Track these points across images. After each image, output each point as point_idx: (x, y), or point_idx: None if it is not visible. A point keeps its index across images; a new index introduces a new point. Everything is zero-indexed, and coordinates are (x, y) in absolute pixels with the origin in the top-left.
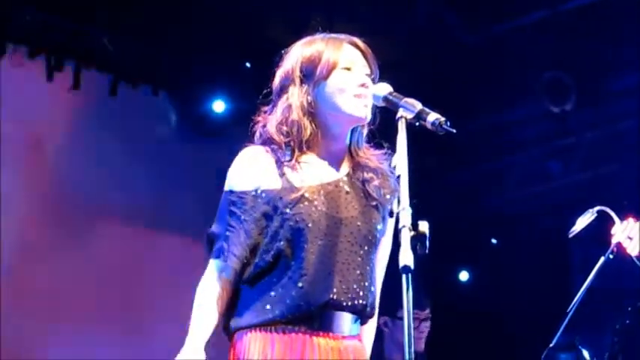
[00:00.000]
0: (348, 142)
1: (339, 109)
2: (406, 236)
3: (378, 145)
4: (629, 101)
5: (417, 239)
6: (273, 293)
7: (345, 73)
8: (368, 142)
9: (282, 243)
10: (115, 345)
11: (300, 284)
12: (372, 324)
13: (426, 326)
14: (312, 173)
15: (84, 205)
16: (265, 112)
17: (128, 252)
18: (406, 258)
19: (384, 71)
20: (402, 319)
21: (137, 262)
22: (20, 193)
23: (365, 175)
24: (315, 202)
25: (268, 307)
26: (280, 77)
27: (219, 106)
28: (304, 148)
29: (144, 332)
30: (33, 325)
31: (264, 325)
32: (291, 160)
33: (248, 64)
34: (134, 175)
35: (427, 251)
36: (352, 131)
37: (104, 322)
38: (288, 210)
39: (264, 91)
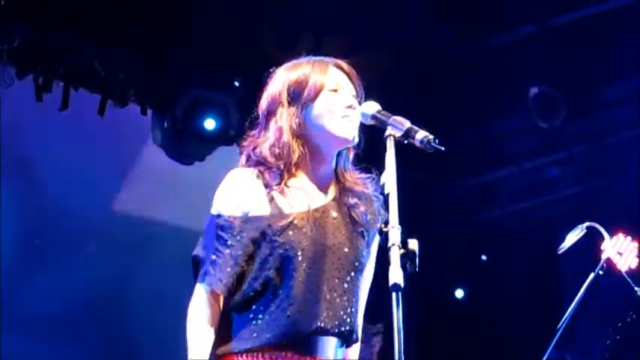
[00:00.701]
0: (334, 165)
1: (327, 131)
2: (396, 254)
3: (364, 169)
4: (618, 114)
5: (407, 257)
6: (260, 321)
7: (332, 95)
8: (354, 164)
9: (271, 272)
10: None
11: (288, 313)
12: (356, 347)
13: (377, 340)
14: (301, 198)
15: (72, 224)
16: (253, 135)
17: (116, 271)
18: (396, 276)
19: (375, 84)
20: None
21: (125, 281)
22: (9, 212)
23: (351, 200)
24: (304, 230)
25: (255, 334)
26: (267, 101)
27: (209, 124)
28: (293, 171)
29: (132, 350)
30: (22, 343)
31: (251, 351)
32: (280, 184)
33: (237, 83)
34: (123, 194)
35: (417, 269)
36: (338, 154)
37: (93, 340)
38: (277, 237)
39: (252, 116)
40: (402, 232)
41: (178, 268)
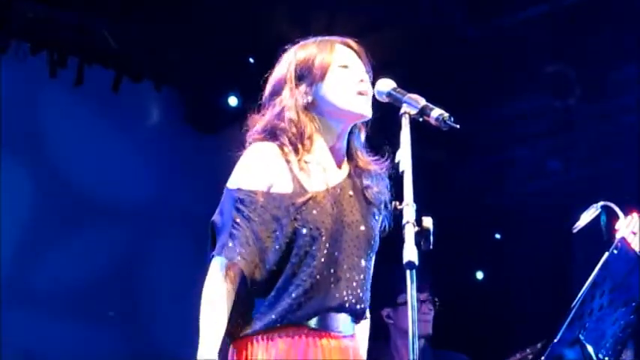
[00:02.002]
0: (346, 142)
1: (340, 107)
2: (410, 232)
3: (375, 147)
4: (633, 94)
5: (421, 235)
6: (282, 300)
7: (343, 71)
8: (366, 143)
9: (292, 250)
10: (114, 341)
11: (309, 292)
12: (366, 323)
13: (429, 308)
14: (319, 174)
15: (86, 200)
16: (260, 114)
17: (130, 248)
18: (410, 254)
19: (388, 63)
20: (402, 304)
21: (138, 258)
22: (23, 189)
23: (364, 180)
24: (325, 208)
25: (274, 316)
26: (273, 82)
27: (232, 100)
28: (307, 145)
29: (142, 329)
30: (32, 321)
31: (269, 331)
32: (298, 159)
33: (251, 60)
34: (137, 171)
35: (431, 247)
36: (350, 132)
37: (103, 319)
38: (299, 215)
39: (258, 101)
40: (416, 210)
41: (193, 247)
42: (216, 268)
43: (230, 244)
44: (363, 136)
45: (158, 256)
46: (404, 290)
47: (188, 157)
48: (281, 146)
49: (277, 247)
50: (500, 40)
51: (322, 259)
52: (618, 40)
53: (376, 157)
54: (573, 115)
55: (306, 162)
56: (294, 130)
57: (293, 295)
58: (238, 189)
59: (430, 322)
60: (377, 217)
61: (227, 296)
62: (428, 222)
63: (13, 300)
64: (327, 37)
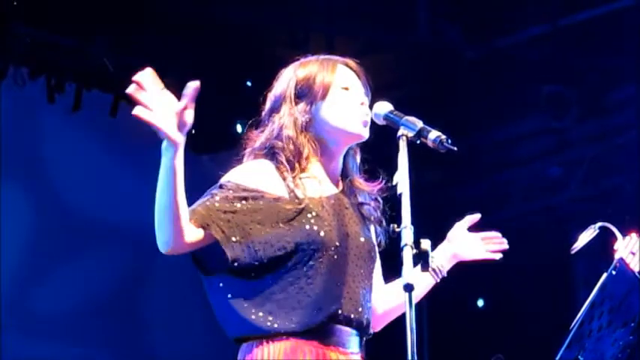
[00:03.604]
0: (342, 164)
1: (339, 128)
2: (408, 254)
3: (369, 172)
4: (630, 114)
5: (420, 257)
6: (281, 301)
7: (344, 93)
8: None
9: (292, 255)
10: None
11: (309, 295)
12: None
13: None
14: (315, 188)
15: (86, 224)
16: (258, 132)
17: (130, 271)
18: (409, 276)
19: (386, 85)
20: None
21: (138, 280)
22: (22, 213)
23: (359, 197)
24: (326, 216)
25: (271, 318)
26: (272, 98)
27: (234, 126)
28: (304, 165)
29: (143, 350)
30: (33, 341)
31: (275, 336)
32: (294, 177)
33: (249, 83)
34: (136, 194)
35: (429, 269)
36: (346, 154)
37: (105, 342)
38: (296, 223)
39: (256, 117)
40: (414, 233)
41: (192, 270)
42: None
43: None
44: (358, 158)
45: (158, 279)
46: None
47: (187, 180)
48: (277, 165)
49: (270, 245)
50: (498, 61)
51: (323, 265)
52: (616, 59)
53: (370, 180)
54: (571, 135)
55: (301, 178)
56: (291, 148)
57: (296, 298)
58: (227, 180)
59: None
60: (373, 233)
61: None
62: (426, 244)
63: (13, 323)
64: (328, 57)
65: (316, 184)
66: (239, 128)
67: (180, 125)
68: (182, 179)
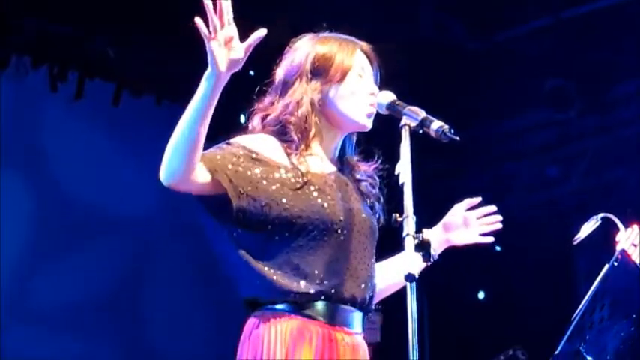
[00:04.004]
0: (340, 145)
1: (346, 114)
2: (410, 244)
3: (364, 152)
4: (632, 107)
5: (421, 247)
6: (284, 266)
7: (359, 80)
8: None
9: (299, 229)
10: (114, 357)
11: (311, 264)
12: None
13: (378, 316)
14: (316, 165)
15: (86, 215)
16: (266, 101)
17: (131, 263)
18: (410, 266)
19: (388, 78)
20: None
21: (139, 273)
22: (23, 203)
23: (356, 175)
24: (327, 190)
25: (276, 278)
26: (286, 69)
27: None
28: (308, 143)
29: (145, 345)
30: (33, 335)
31: (282, 314)
32: (298, 155)
33: (251, 72)
34: (137, 185)
35: (430, 259)
36: (346, 137)
37: (105, 335)
38: (300, 191)
39: (265, 81)
40: (416, 222)
41: (194, 261)
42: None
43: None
44: (354, 138)
45: (159, 271)
46: None
47: None
48: (283, 142)
49: (276, 203)
50: (501, 55)
51: (329, 244)
52: (618, 53)
53: (366, 161)
54: (574, 128)
55: (304, 156)
56: (302, 126)
57: (302, 282)
58: (235, 141)
59: (378, 330)
60: (372, 208)
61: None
62: (428, 234)
63: (13, 316)
64: (348, 38)
65: (318, 161)
66: (242, 119)
67: (231, 63)
68: (211, 112)
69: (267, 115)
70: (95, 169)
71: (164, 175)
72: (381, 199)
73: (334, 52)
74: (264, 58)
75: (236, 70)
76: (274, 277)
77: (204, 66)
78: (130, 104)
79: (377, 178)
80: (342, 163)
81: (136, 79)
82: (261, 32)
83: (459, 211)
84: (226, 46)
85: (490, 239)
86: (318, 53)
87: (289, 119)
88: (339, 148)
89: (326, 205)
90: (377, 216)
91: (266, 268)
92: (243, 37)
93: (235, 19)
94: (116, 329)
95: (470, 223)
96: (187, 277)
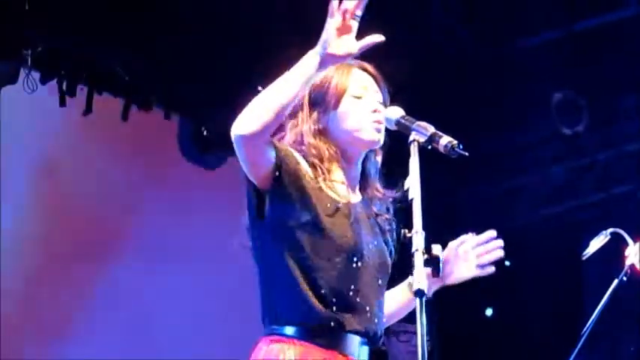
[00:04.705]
0: (360, 168)
1: (352, 135)
2: (419, 260)
3: (388, 176)
4: None
5: (431, 263)
6: (299, 298)
7: (357, 101)
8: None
9: (320, 234)
10: None
11: (329, 295)
12: None
13: (407, 337)
14: (342, 192)
15: (96, 230)
16: (278, 133)
17: (139, 279)
18: (420, 281)
19: (398, 89)
20: (394, 333)
21: (147, 290)
22: (33, 217)
23: (375, 208)
24: (345, 220)
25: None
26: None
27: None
28: (327, 168)
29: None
30: (36, 351)
31: (293, 338)
32: (325, 180)
33: (260, 88)
34: (147, 200)
35: (440, 274)
36: (365, 158)
37: (113, 352)
38: (332, 217)
39: None
40: (425, 238)
41: (193, 281)
42: None
43: None
44: (379, 159)
45: (168, 288)
46: None
47: (199, 186)
48: (310, 167)
49: (309, 210)
50: (510, 67)
51: (342, 273)
52: (628, 66)
53: (388, 187)
54: (582, 142)
55: (330, 180)
56: (314, 152)
57: (316, 303)
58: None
59: None
60: (387, 244)
61: None
62: (437, 250)
63: (20, 328)
64: (348, 61)
65: (343, 189)
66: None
67: (340, 49)
68: (305, 90)
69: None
70: (103, 184)
71: (244, 124)
72: (395, 236)
73: (329, 78)
74: (273, 75)
75: (339, 62)
76: (293, 298)
77: (212, 81)
78: (138, 119)
79: (392, 214)
80: (363, 190)
81: (145, 93)
82: (378, 37)
83: (453, 248)
84: (341, 35)
85: (490, 270)
86: (315, 83)
87: (301, 149)
88: (359, 171)
89: (349, 234)
90: (390, 252)
91: (287, 289)
92: (254, 52)
93: (245, 37)
94: (125, 345)
95: (468, 257)
96: (198, 296)
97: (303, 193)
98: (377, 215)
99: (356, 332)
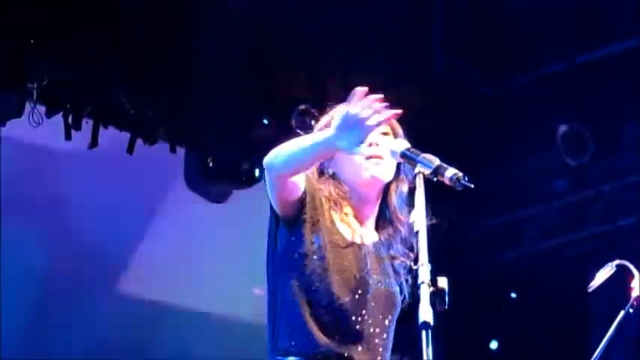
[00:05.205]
0: (379, 204)
1: (350, 179)
2: (425, 292)
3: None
4: None
5: (437, 295)
6: (301, 329)
7: None
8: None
9: (327, 270)
10: None
11: (331, 329)
12: None
13: None
14: (355, 231)
15: (102, 262)
16: None
17: (144, 310)
18: (425, 314)
19: (402, 122)
20: None
21: (153, 321)
22: (39, 250)
23: (391, 250)
24: (352, 257)
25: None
26: None
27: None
28: (339, 206)
29: None
30: None
31: None
32: (339, 216)
33: (265, 121)
34: (152, 233)
35: (446, 307)
36: (387, 194)
37: None
38: (325, 252)
39: None
40: (431, 270)
41: (204, 315)
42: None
43: None
44: (404, 189)
45: (171, 321)
46: None
47: (206, 219)
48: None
49: (320, 246)
50: (514, 98)
51: (346, 310)
52: (632, 98)
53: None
54: (587, 173)
55: (345, 218)
56: (327, 194)
57: (318, 334)
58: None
59: None
60: (400, 286)
61: None
62: (443, 282)
63: None
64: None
65: (357, 227)
66: (257, 172)
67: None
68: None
69: None
70: (109, 217)
71: (272, 161)
72: (409, 281)
73: (327, 122)
74: (279, 108)
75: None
76: (296, 331)
77: (217, 113)
78: (143, 152)
79: (410, 257)
80: (382, 229)
81: (150, 126)
82: (396, 112)
83: None
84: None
85: None
86: (320, 124)
87: (321, 188)
88: (376, 209)
89: (355, 269)
90: (403, 295)
91: (292, 320)
92: (260, 85)
93: (247, 70)
94: None
95: None
96: (200, 326)
97: (317, 226)
98: (393, 258)
99: None
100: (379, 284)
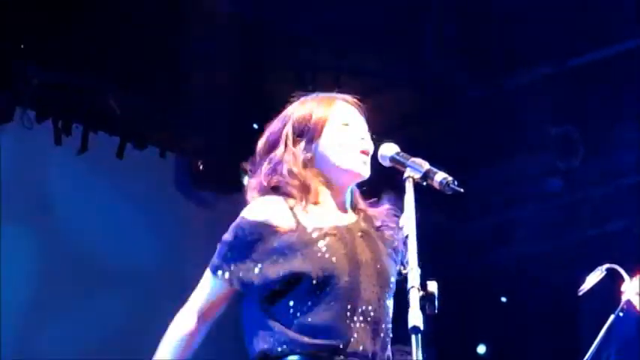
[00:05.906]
0: (350, 196)
1: (338, 165)
2: (415, 296)
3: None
4: (636, 155)
5: (426, 299)
6: (294, 326)
7: (343, 128)
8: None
9: (303, 284)
10: None
11: (327, 325)
12: None
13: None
14: (325, 217)
15: (91, 267)
16: (258, 172)
17: (134, 316)
18: (415, 318)
19: (392, 126)
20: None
21: (142, 326)
22: (29, 255)
23: (375, 222)
24: (336, 245)
25: (285, 337)
26: (268, 137)
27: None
28: (312, 199)
29: None
30: None
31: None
32: (304, 208)
33: (255, 126)
34: (142, 237)
35: (436, 311)
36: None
37: None
38: (307, 252)
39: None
40: (420, 274)
41: None
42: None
43: (229, 256)
44: (357, 195)
45: (164, 325)
46: None
47: (195, 224)
48: (285, 197)
49: (279, 274)
50: (503, 101)
51: (338, 297)
52: (622, 100)
53: (383, 207)
54: (577, 176)
55: (307, 211)
56: (296, 183)
57: (308, 324)
58: (238, 224)
59: None
60: (392, 258)
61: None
62: (433, 286)
63: None
64: (327, 94)
65: (326, 214)
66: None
67: None
68: None
69: (262, 182)
70: (99, 222)
71: None
72: (402, 248)
73: (311, 109)
74: (269, 112)
75: None
76: (286, 331)
77: (206, 118)
78: (134, 157)
79: (397, 224)
80: (358, 212)
81: (140, 131)
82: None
83: None
84: None
85: None
86: (297, 115)
87: (278, 179)
88: (349, 197)
89: (334, 259)
90: (398, 264)
91: (279, 323)
92: (249, 90)
93: (237, 74)
94: None
95: None
96: None
97: (279, 235)
98: (378, 229)
99: (359, 355)
100: (366, 263)
